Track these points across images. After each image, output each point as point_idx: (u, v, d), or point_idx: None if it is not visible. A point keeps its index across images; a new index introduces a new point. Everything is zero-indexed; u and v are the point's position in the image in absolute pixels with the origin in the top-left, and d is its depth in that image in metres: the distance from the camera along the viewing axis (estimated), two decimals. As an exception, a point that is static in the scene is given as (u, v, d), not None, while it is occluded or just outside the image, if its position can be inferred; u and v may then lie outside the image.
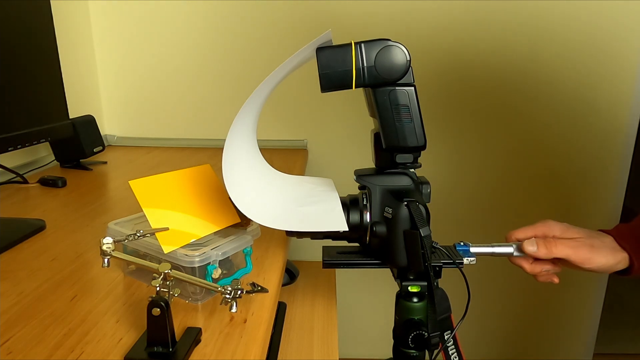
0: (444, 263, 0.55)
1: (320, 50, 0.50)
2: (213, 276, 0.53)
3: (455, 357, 0.57)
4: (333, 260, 0.57)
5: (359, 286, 1.66)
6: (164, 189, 0.57)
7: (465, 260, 0.57)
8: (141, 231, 0.52)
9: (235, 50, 1.43)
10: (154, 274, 0.46)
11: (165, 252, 0.52)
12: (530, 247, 0.58)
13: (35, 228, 0.74)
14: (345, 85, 0.50)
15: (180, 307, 0.53)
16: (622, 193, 1.53)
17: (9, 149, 0.78)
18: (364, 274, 1.63)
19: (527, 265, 0.61)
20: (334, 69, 0.50)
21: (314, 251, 1.45)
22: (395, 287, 0.56)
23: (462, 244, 0.59)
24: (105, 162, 1.24)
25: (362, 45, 0.49)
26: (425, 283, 0.55)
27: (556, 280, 0.62)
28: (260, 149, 0.61)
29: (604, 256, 0.57)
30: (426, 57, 1.42)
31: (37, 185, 1.01)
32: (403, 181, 0.54)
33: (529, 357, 1.70)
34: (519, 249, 0.60)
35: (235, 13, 1.41)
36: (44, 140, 0.90)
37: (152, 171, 0.96)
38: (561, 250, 0.57)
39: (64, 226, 0.77)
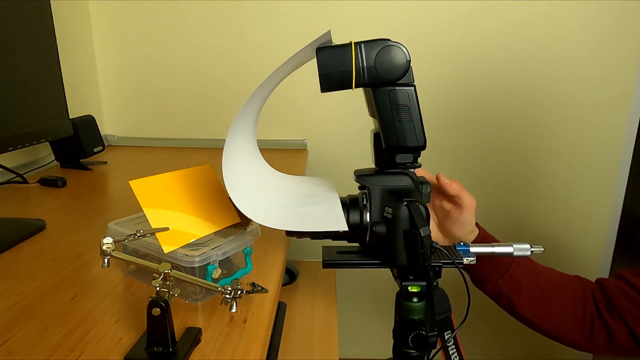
0: (444, 263, 0.55)
1: (320, 50, 0.49)
2: (213, 276, 0.53)
3: (456, 357, 0.57)
4: (333, 260, 0.57)
5: (359, 286, 1.66)
6: (164, 189, 0.57)
7: (465, 260, 0.56)
8: (141, 231, 0.52)
9: (235, 50, 1.44)
10: (154, 274, 0.46)
11: (165, 252, 0.52)
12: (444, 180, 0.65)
13: (35, 228, 0.74)
14: (345, 85, 0.50)
15: (180, 307, 0.53)
16: (622, 193, 1.53)
17: (9, 149, 0.78)
18: (364, 274, 1.63)
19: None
20: (333, 69, 0.49)
21: (314, 251, 1.45)
22: (395, 287, 0.56)
23: (462, 243, 0.59)
24: (105, 162, 1.24)
25: (362, 45, 0.49)
26: (425, 283, 0.54)
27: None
28: (260, 149, 0.61)
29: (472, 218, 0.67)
30: (426, 57, 1.42)
31: (37, 185, 1.01)
32: (403, 181, 0.54)
33: (529, 357, 1.70)
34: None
35: (235, 13, 1.41)
36: (44, 140, 0.90)
37: (152, 171, 0.96)
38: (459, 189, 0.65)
39: (64, 226, 0.77)
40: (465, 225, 0.67)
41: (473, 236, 0.69)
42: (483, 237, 0.70)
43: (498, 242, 0.69)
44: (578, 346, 0.73)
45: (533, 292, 0.71)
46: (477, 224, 0.70)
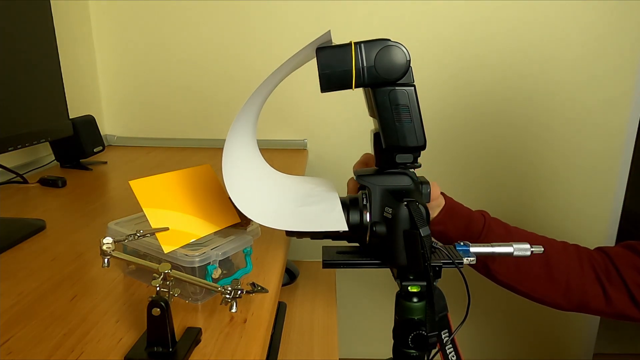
0: (444, 263, 0.55)
1: (320, 50, 0.49)
2: (213, 276, 0.53)
3: (454, 357, 0.57)
4: (333, 260, 0.57)
5: (359, 286, 1.66)
6: (164, 189, 0.57)
7: (465, 260, 0.56)
8: (141, 231, 0.52)
9: (235, 50, 1.44)
10: (154, 274, 0.46)
11: (165, 252, 0.52)
12: None
13: (35, 228, 0.74)
14: (345, 85, 0.50)
15: (180, 307, 0.53)
16: (622, 193, 1.53)
17: (9, 149, 0.78)
18: (364, 274, 1.63)
19: None
20: (333, 69, 0.49)
21: (314, 251, 1.45)
22: (395, 287, 0.56)
23: (462, 243, 0.59)
24: (105, 162, 1.24)
25: (362, 45, 0.49)
26: (425, 283, 0.54)
27: None
28: (260, 149, 0.61)
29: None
30: (426, 56, 1.42)
31: (37, 185, 1.01)
32: (403, 181, 0.54)
33: (529, 357, 1.70)
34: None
35: (235, 13, 1.41)
36: (44, 140, 0.90)
37: (152, 171, 0.96)
38: None
39: (64, 226, 0.77)
40: (432, 209, 0.71)
41: (439, 208, 0.72)
42: (450, 207, 0.73)
43: (466, 207, 0.76)
44: (560, 307, 0.74)
45: (507, 256, 0.72)
46: (443, 194, 0.73)
